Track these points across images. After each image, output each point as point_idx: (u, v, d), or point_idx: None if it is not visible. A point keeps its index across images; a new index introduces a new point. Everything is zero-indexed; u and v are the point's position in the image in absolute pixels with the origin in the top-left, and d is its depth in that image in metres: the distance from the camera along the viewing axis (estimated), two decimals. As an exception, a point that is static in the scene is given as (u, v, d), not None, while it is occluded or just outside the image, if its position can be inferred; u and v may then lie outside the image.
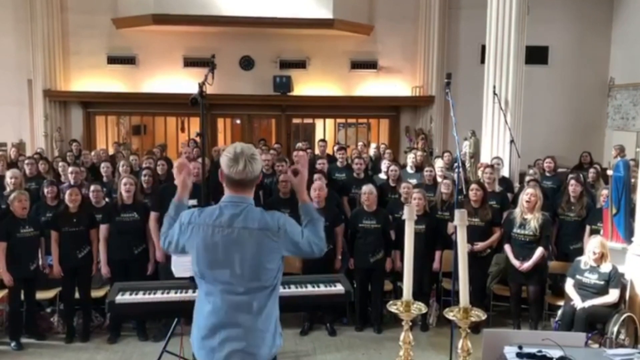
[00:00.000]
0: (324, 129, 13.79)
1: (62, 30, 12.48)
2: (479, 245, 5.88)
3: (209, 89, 4.47)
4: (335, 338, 5.92)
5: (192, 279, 3.81)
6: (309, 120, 14.09)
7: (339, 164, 8.13)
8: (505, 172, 8.01)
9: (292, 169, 2.82)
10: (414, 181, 7.32)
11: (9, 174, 6.70)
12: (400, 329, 5.92)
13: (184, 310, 3.88)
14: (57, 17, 12.34)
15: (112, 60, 12.71)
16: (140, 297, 3.69)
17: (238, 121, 13.95)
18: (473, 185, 6.10)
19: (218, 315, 2.56)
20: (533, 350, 3.30)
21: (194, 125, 13.11)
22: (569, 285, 5.48)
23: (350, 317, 6.28)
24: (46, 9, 12.11)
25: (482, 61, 9.19)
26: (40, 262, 5.79)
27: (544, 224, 5.74)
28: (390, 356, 5.49)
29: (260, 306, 2.58)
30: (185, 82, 12.07)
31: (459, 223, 2.28)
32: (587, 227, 6.22)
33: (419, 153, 8.86)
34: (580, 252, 5.91)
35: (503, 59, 8.22)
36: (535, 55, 11.46)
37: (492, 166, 7.05)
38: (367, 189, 6.11)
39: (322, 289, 3.81)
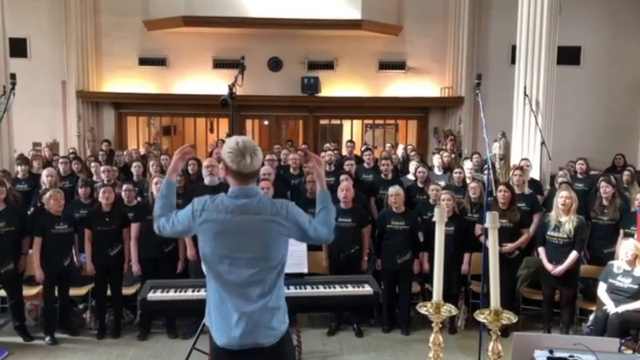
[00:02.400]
0: (351, 130, 13.79)
1: (95, 32, 12.75)
2: (507, 246, 5.81)
3: (238, 90, 4.51)
4: (363, 339, 5.92)
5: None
6: (337, 121, 14.11)
7: (365, 164, 8.13)
8: (535, 174, 7.90)
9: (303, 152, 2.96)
10: (442, 182, 7.28)
11: (45, 172, 6.88)
12: (428, 331, 5.89)
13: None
14: (90, 19, 12.61)
15: (143, 61, 12.93)
16: (171, 294, 3.75)
17: (266, 122, 14.04)
18: (501, 187, 6.03)
19: (232, 297, 2.66)
20: (564, 354, 3.24)
21: (223, 126, 13.25)
22: (601, 290, 5.39)
23: (377, 318, 6.26)
24: (80, 12, 12.39)
25: (513, 61, 9.09)
26: (75, 259, 5.92)
27: (579, 227, 5.65)
28: (418, 358, 5.47)
29: (271, 285, 2.68)
30: (214, 83, 12.23)
31: (490, 225, 2.26)
32: (621, 231, 6.09)
33: (446, 154, 8.80)
34: (613, 256, 5.80)
35: (534, 59, 8.11)
36: (567, 55, 11.27)
37: (521, 168, 6.97)
38: (394, 190, 6.09)
39: (351, 290, 3.81)
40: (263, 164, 7.13)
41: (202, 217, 2.71)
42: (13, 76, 5.65)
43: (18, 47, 11.34)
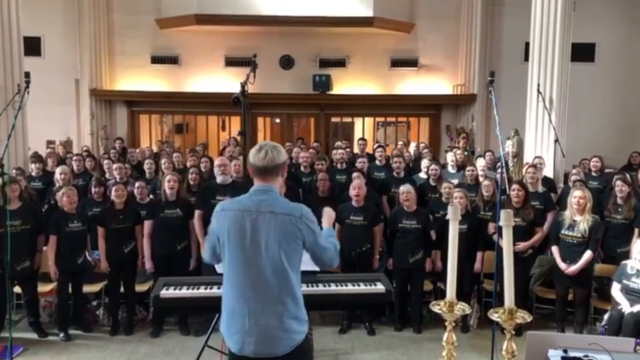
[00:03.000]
0: (363, 127, 13.75)
1: (108, 31, 12.83)
2: (521, 245, 5.77)
3: (250, 88, 4.50)
4: (374, 337, 5.91)
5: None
6: (348, 119, 14.08)
7: (377, 162, 8.10)
8: (549, 172, 7.84)
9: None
10: (455, 181, 7.24)
11: (58, 170, 6.94)
12: (440, 329, 5.89)
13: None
14: (104, 18, 12.69)
15: (156, 60, 12.98)
16: (184, 292, 3.76)
17: (278, 120, 14.04)
18: (515, 186, 5.99)
19: (246, 299, 2.68)
20: (579, 354, 3.21)
21: (235, 124, 13.28)
22: (615, 290, 5.33)
23: (389, 317, 6.25)
24: (93, 11, 12.46)
25: (526, 59, 9.02)
26: (88, 256, 5.96)
27: (594, 227, 5.59)
28: (430, 357, 5.45)
29: (286, 292, 2.68)
30: (226, 81, 12.25)
31: (505, 223, 2.24)
32: (636, 230, 6.02)
33: (459, 152, 8.75)
34: (627, 255, 5.73)
35: (548, 56, 8.04)
36: (582, 52, 11.12)
37: (535, 166, 6.91)
38: (405, 188, 6.06)
39: (363, 288, 3.80)
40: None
41: (221, 217, 2.78)
42: (27, 75, 5.67)
43: (32, 46, 11.44)
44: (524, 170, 7.17)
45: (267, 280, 2.66)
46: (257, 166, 2.74)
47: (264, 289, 2.66)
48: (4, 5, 8.28)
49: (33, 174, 7.61)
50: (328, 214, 3.17)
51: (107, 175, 7.74)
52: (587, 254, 5.56)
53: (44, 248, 5.84)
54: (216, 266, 3.93)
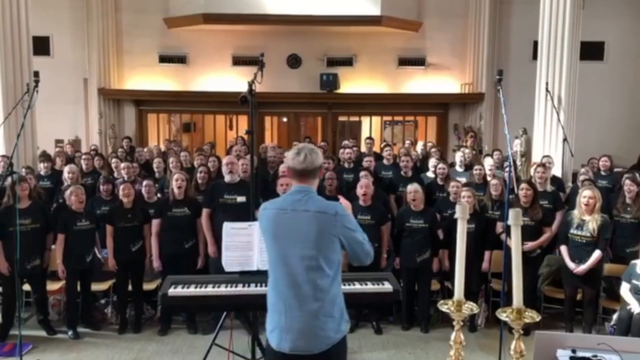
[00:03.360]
0: (370, 126, 13.74)
1: (116, 30, 12.89)
2: (529, 244, 5.74)
3: (257, 88, 4.51)
4: (382, 336, 5.90)
5: (241, 273, 3.89)
6: (355, 118, 14.07)
7: (385, 161, 8.09)
8: (557, 171, 7.80)
9: None
10: (462, 180, 7.22)
11: (66, 169, 6.98)
12: (447, 329, 5.88)
13: (234, 305, 3.97)
14: (112, 17, 12.75)
15: (164, 59, 13.03)
16: (192, 290, 3.77)
17: (285, 119, 14.05)
18: (523, 185, 5.96)
19: (283, 296, 2.75)
20: (588, 354, 3.19)
21: (242, 123, 13.29)
22: (624, 289, 5.30)
23: (396, 316, 6.24)
24: (101, 10, 12.52)
25: (534, 57, 8.98)
26: (98, 254, 5.99)
27: (603, 226, 5.54)
28: (438, 356, 5.44)
29: (323, 289, 2.72)
30: (234, 80, 12.27)
31: (514, 223, 2.23)
32: (645, 230, 5.98)
33: (467, 151, 8.72)
34: (636, 255, 5.69)
35: (556, 55, 8.00)
36: (591, 51, 11.08)
37: (544, 165, 6.88)
38: (413, 187, 6.05)
39: (370, 287, 3.79)
40: (282, 162, 7.20)
41: (262, 217, 2.87)
42: (37, 74, 5.70)
43: (41, 46, 11.51)
44: (532, 170, 7.14)
45: (302, 279, 2.71)
46: (296, 169, 2.81)
47: (299, 287, 2.71)
48: (13, 5, 8.33)
49: (42, 173, 7.66)
50: (345, 205, 3.14)
51: (115, 174, 7.76)
52: (597, 254, 5.53)
53: (53, 247, 5.87)
54: (223, 263, 3.96)
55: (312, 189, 2.84)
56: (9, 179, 5.41)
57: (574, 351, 3.25)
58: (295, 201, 2.79)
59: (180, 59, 13.05)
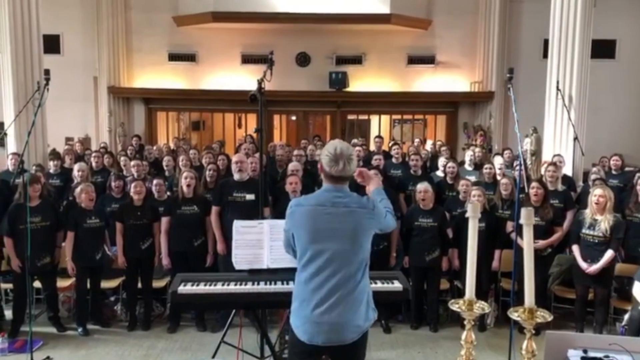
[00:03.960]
0: (379, 125, 13.71)
1: (126, 29, 12.93)
2: (540, 243, 5.70)
3: (266, 86, 4.50)
4: (391, 335, 5.89)
5: (251, 271, 3.89)
6: (364, 117, 14.04)
7: (394, 160, 8.07)
8: (568, 170, 7.74)
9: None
10: (472, 178, 7.18)
11: (76, 167, 7.01)
12: (456, 328, 5.87)
13: (243, 303, 3.97)
14: (121, 15, 12.80)
15: (173, 57, 13.07)
16: (202, 288, 3.77)
17: (294, 117, 14.05)
18: (534, 184, 5.92)
19: (320, 289, 2.80)
20: (599, 354, 3.16)
21: (251, 121, 13.31)
22: (637, 289, 5.24)
23: (405, 315, 6.23)
24: (111, 9, 12.58)
25: (545, 56, 8.91)
26: (108, 251, 6.02)
27: (616, 226, 5.49)
28: (447, 356, 5.42)
29: (356, 280, 2.82)
30: (243, 79, 12.29)
31: (526, 222, 2.21)
32: (658, 230, 5.93)
33: (478, 150, 8.68)
34: (649, 254, 5.66)
35: (567, 53, 7.93)
36: (602, 49, 10.99)
37: (555, 164, 6.83)
38: (423, 187, 6.02)
39: (380, 286, 3.78)
40: (291, 160, 7.20)
41: (297, 213, 2.90)
42: (47, 72, 5.73)
43: (51, 44, 11.55)
44: (543, 169, 7.10)
45: (338, 272, 2.79)
46: (334, 176, 2.88)
47: (334, 281, 2.79)
48: (24, 4, 8.38)
49: (51, 171, 7.69)
50: (373, 178, 3.27)
51: (124, 172, 7.79)
52: (609, 254, 5.48)
53: (63, 244, 5.90)
54: (233, 261, 3.96)
55: (347, 188, 2.93)
56: (21, 178, 5.43)
57: (585, 351, 3.23)
58: (333, 197, 2.87)
59: (190, 58, 13.08)
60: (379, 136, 10.01)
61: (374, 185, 3.20)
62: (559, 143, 8.00)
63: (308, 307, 2.81)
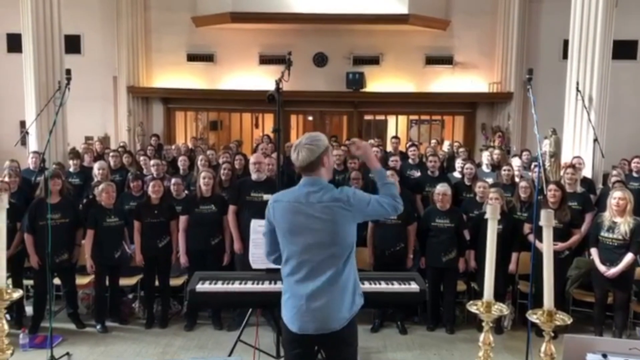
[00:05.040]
0: (396, 125, 13.68)
1: (145, 29, 13.06)
2: (558, 245, 5.64)
3: (284, 86, 4.52)
4: (407, 337, 5.87)
5: (268, 270, 3.91)
6: (381, 117, 14.02)
7: (410, 161, 8.04)
8: (588, 172, 7.66)
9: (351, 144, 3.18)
10: (490, 180, 7.14)
11: (96, 165, 7.09)
12: (472, 330, 5.84)
13: (260, 301, 3.99)
14: (141, 16, 12.92)
15: (192, 57, 13.16)
16: (219, 286, 3.80)
17: (310, 117, 14.07)
18: (551, 186, 5.87)
19: (304, 282, 2.84)
20: (619, 359, 3.13)
21: (268, 121, 13.36)
22: (657, 293, 5.18)
23: (421, 316, 6.20)
24: (130, 9, 12.72)
25: (564, 56, 8.83)
26: (127, 249, 6.09)
27: (636, 229, 5.40)
28: (463, 358, 5.39)
29: (338, 269, 2.84)
30: (260, 79, 12.34)
31: (545, 224, 2.19)
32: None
33: (496, 151, 8.62)
34: (669, 258, 5.57)
35: (588, 54, 7.85)
36: (623, 49, 10.84)
37: (574, 166, 6.76)
38: (442, 189, 6.00)
39: (396, 287, 3.78)
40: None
41: (274, 209, 2.93)
42: (68, 72, 5.81)
43: (72, 44, 11.71)
44: (562, 171, 7.03)
45: (320, 267, 2.82)
46: (297, 166, 2.92)
47: (317, 275, 2.82)
48: (46, 5, 8.52)
49: (71, 169, 7.79)
50: (369, 153, 3.19)
51: (144, 171, 7.86)
52: (629, 257, 5.40)
53: (82, 242, 5.98)
54: (250, 260, 3.99)
55: (321, 179, 2.90)
56: (43, 175, 5.52)
57: (604, 355, 3.19)
58: (308, 193, 2.86)
59: (208, 58, 13.16)
60: (395, 137, 9.99)
61: (373, 164, 3.17)
62: (579, 145, 7.93)
63: (295, 299, 2.86)
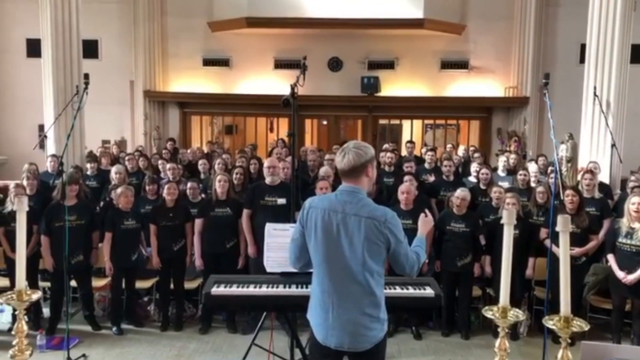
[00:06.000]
0: (411, 130, 13.64)
1: (162, 34, 13.16)
2: (575, 250, 5.59)
3: (299, 90, 4.53)
4: (421, 342, 5.84)
5: (282, 274, 3.91)
6: (396, 121, 13.99)
7: (427, 165, 8.02)
8: (605, 177, 7.58)
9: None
10: (505, 185, 7.09)
11: (114, 169, 7.16)
12: (487, 336, 5.80)
13: (275, 305, 3.99)
14: (158, 21, 13.03)
15: (207, 62, 13.24)
16: (235, 289, 3.80)
17: (325, 122, 14.09)
18: (568, 192, 5.81)
19: (330, 294, 2.80)
20: (637, 366, 3.09)
21: (283, 125, 13.39)
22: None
23: (436, 322, 6.17)
24: (147, 14, 12.82)
25: (582, 61, 8.74)
26: (144, 251, 6.13)
27: (654, 236, 5.35)
28: (478, 364, 5.35)
29: (370, 290, 2.77)
30: (275, 83, 12.38)
31: (562, 229, 2.18)
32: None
33: (513, 156, 8.56)
34: (689, 265, 5.47)
35: (605, 58, 7.77)
36: (642, 54, 10.72)
37: (591, 171, 6.69)
38: (463, 193, 5.98)
39: (411, 292, 3.75)
40: (322, 165, 7.21)
41: (309, 214, 2.87)
42: (87, 76, 5.88)
43: (90, 49, 11.84)
44: (579, 176, 6.97)
45: (349, 280, 2.76)
46: (339, 168, 2.86)
47: (346, 288, 2.77)
48: (65, 11, 8.64)
49: (88, 172, 7.87)
50: (426, 223, 3.22)
51: (161, 175, 7.92)
52: (647, 263, 5.34)
53: (100, 245, 6.03)
54: (265, 264, 3.99)
55: (360, 188, 2.83)
56: (61, 178, 5.58)
57: (622, 363, 3.15)
58: (345, 203, 2.79)
59: (224, 62, 13.24)
60: (410, 141, 9.96)
61: (422, 230, 3.18)
62: (596, 150, 7.84)
63: (321, 309, 2.83)
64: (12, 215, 5.67)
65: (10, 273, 6.01)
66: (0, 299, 2.29)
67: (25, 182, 6.23)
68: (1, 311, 6.23)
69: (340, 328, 2.77)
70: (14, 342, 2.28)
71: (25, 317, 2.31)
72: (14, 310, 5.67)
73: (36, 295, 2.30)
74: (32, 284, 5.95)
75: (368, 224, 2.74)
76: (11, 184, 6.34)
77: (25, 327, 2.26)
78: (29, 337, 2.38)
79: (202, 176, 7.79)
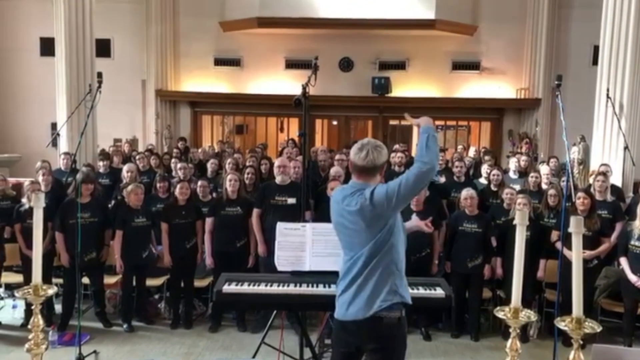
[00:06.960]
0: (422, 131, 13.58)
1: (174, 34, 13.25)
2: (586, 253, 5.55)
3: (310, 90, 4.53)
4: (430, 343, 5.83)
5: (293, 273, 3.93)
6: (407, 122, 13.91)
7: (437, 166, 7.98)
8: (617, 180, 7.52)
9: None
10: (517, 186, 7.06)
11: (125, 167, 7.21)
12: (497, 337, 5.78)
13: (285, 304, 4.01)
14: (170, 21, 13.12)
15: (219, 62, 13.31)
16: (245, 288, 3.82)
17: (335, 122, 14.10)
18: (580, 194, 5.78)
19: (349, 273, 2.91)
20: (649, 370, 3.08)
21: (293, 125, 13.43)
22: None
23: (445, 323, 6.16)
24: (160, 14, 12.91)
25: (594, 62, 8.69)
26: (154, 249, 6.17)
27: (667, 238, 5.32)
28: (488, 365, 5.34)
29: (374, 267, 2.86)
30: (285, 83, 12.41)
31: (575, 230, 2.17)
32: None
33: (524, 158, 8.52)
34: (702, 268, 5.43)
35: (619, 60, 7.71)
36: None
37: (604, 174, 6.65)
38: (468, 193, 5.96)
39: (422, 292, 3.75)
40: (333, 165, 7.21)
41: (331, 202, 3.06)
42: (100, 75, 5.93)
43: (102, 48, 11.91)
44: (591, 179, 6.93)
45: (365, 258, 2.84)
46: (357, 165, 2.87)
47: (364, 265, 2.85)
48: (79, 11, 8.73)
49: (101, 170, 7.93)
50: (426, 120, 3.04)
51: (173, 173, 7.96)
52: (659, 266, 5.30)
53: (111, 242, 6.08)
54: (276, 262, 4.01)
55: (370, 185, 2.86)
56: (77, 176, 5.63)
57: (634, 366, 3.14)
58: (350, 196, 2.87)
59: (235, 62, 13.29)
60: (421, 142, 9.92)
61: (423, 122, 2.99)
62: (608, 152, 7.78)
63: (345, 285, 2.94)
64: (28, 212, 5.74)
65: (25, 269, 6.05)
66: (16, 294, 2.33)
67: (40, 179, 6.29)
68: (14, 307, 6.29)
69: (361, 301, 2.89)
70: (30, 336, 2.31)
71: (39, 312, 2.34)
72: (27, 306, 5.78)
73: (52, 291, 2.33)
74: (46, 281, 5.98)
75: (361, 212, 2.83)
76: (25, 181, 6.41)
77: (41, 322, 2.30)
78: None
79: (209, 175, 7.81)
